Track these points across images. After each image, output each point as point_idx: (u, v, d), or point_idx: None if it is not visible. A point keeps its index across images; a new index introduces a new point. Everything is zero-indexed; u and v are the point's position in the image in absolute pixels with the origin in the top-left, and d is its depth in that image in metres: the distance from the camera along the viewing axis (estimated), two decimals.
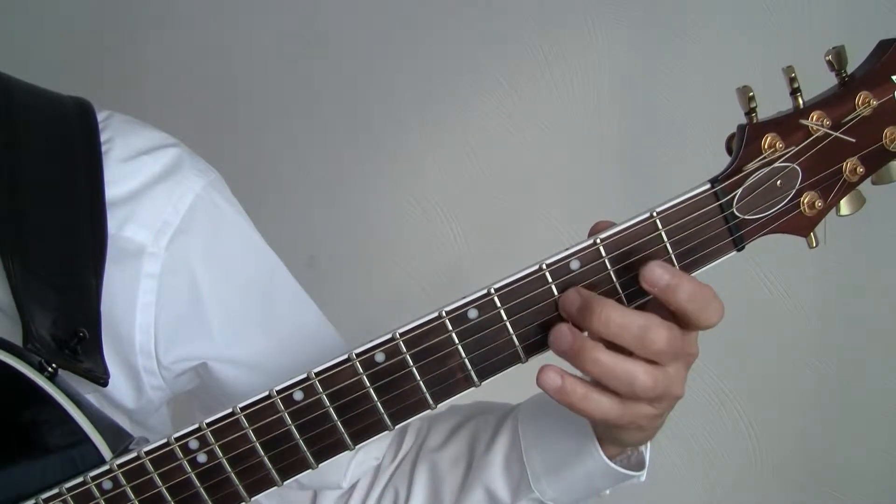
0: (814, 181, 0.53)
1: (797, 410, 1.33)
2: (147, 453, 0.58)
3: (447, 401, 0.56)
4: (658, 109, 1.30)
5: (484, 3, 1.36)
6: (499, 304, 0.54)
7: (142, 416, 0.73)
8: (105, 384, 0.64)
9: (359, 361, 0.55)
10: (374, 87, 1.43)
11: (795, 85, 0.52)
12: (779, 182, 0.53)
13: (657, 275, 0.51)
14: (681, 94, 1.28)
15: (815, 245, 0.54)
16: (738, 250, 0.54)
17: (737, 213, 0.53)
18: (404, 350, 0.55)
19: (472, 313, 0.54)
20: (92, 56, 1.54)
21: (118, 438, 0.61)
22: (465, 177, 1.40)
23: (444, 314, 0.54)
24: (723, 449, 1.37)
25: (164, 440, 0.58)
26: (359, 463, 0.75)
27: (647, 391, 0.52)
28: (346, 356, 0.55)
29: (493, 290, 0.54)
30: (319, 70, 1.46)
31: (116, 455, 0.59)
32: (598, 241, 0.53)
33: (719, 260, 0.54)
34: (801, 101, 0.52)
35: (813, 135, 0.52)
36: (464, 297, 0.54)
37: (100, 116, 0.71)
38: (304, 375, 0.56)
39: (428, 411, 0.57)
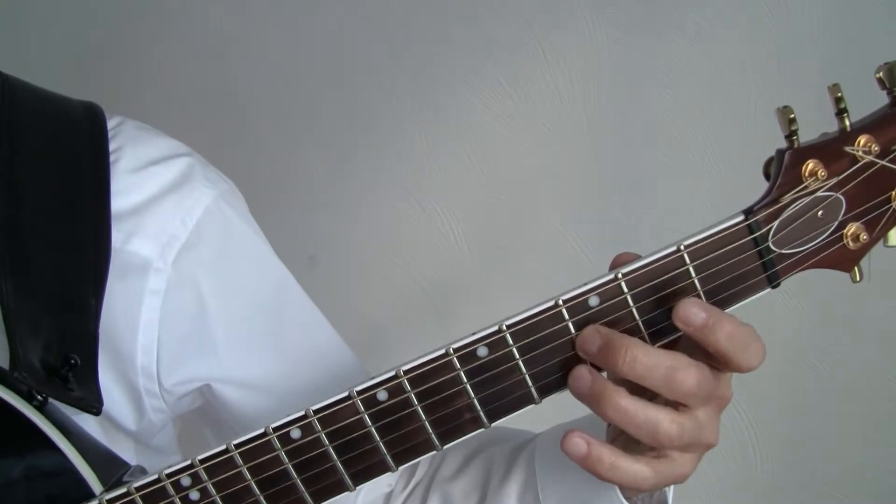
0: (859, 212, 0.49)
1: (797, 410, 1.31)
2: (137, 489, 0.54)
3: (454, 442, 0.52)
4: (658, 110, 1.27)
5: (484, 3, 1.33)
6: (511, 342, 0.50)
7: (145, 436, 0.69)
8: (97, 413, 0.60)
9: (360, 399, 0.51)
10: (374, 87, 1.40)
11: (842, 105, 0.47)
12: (820, 213, 0.48)
13: (692, 313, 0.47)
14: (681, 94, 1.25)
15: (858, 280, 0.50)
16: (773, 287, 0.49)
17: (772, 248, 0.49)
18: (408, 388, 0.51)
19: (482, 351, 0.50)
20: (93, 56, 1.50)
21: (111, 469, 0.57)
22: (466, 177, 1.38)
23: (451, 351, 0.50)
24: (723, 449, 1.35)
25: (156, 476, 0.54)
26: (369, 490, 0.71)
27: (671, 440, 0.49)
28: (346, 393, 0.52)
29: (504, 327, 0.50)
30: (319, 70, 1.43)
31: (107, 489, 0.55)
32: (620, 275, 0.49)
33: (751, 298, 0.50)
34: (847, 123, 0.47)
35: (859, 162, 0.47)
36: (473, 334, 0.50)
37: (110, 123, 0.67)
38: (302, 413, 0.52)
39: (433, 452, 0.53)
